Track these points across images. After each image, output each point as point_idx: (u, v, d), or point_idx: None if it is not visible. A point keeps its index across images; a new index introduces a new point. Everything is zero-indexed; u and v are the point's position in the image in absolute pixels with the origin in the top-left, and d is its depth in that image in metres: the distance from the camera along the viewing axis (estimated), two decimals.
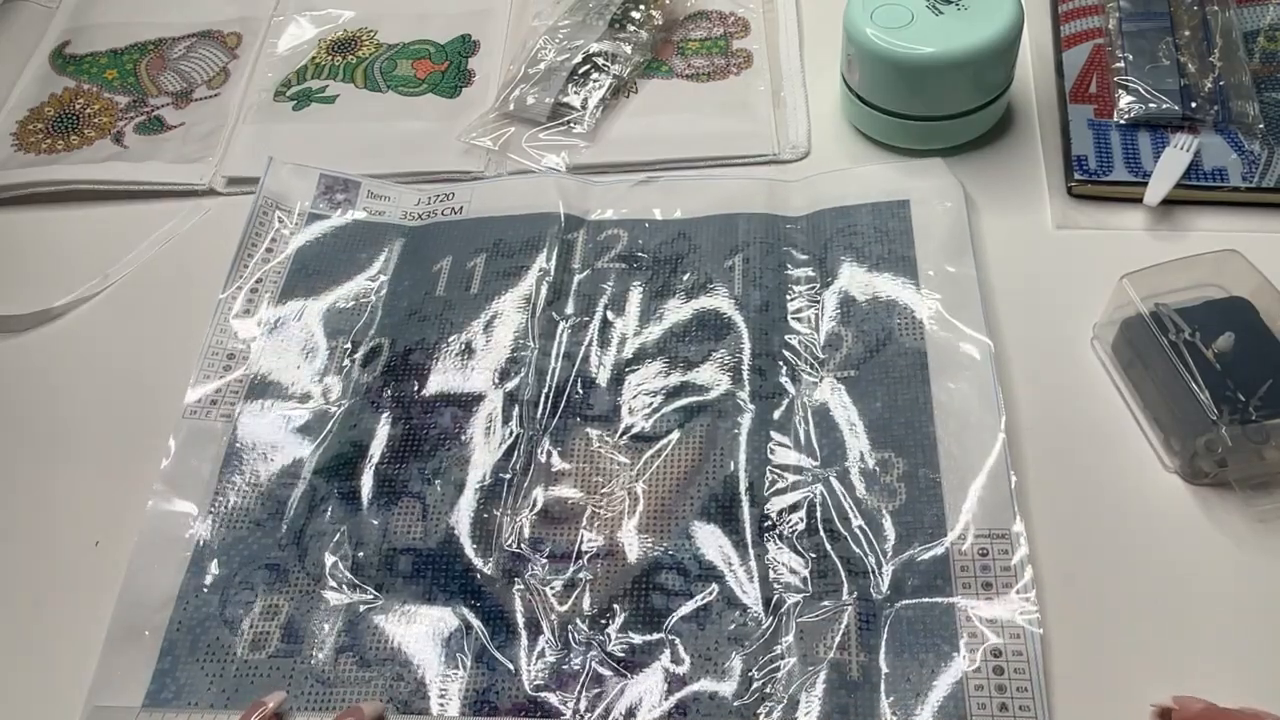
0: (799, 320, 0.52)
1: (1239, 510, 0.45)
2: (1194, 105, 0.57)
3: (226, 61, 0.71)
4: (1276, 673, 0.41)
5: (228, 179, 0.63)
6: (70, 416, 0.54)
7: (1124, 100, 0.58)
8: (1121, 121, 0.58)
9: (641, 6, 0.68)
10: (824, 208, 0.56)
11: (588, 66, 0.65)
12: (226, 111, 0.67)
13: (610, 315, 0.54)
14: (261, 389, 0.53)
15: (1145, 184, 0.55)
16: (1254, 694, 0.40)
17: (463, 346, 0.53)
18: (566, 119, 0.63)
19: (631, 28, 0.67)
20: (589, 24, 0.67)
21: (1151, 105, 0.57)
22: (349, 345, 0.54)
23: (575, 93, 0.64)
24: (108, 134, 0.67)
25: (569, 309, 0.54)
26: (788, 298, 0.53)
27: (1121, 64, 0.59)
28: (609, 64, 0.65)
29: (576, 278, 0.56)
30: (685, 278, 0.55)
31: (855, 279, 0.53)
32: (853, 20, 0.56)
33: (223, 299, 0.56)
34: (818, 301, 0.53)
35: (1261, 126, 0.56)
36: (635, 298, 0.54)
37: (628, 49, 0.66)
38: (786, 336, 0.52)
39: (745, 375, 0.50)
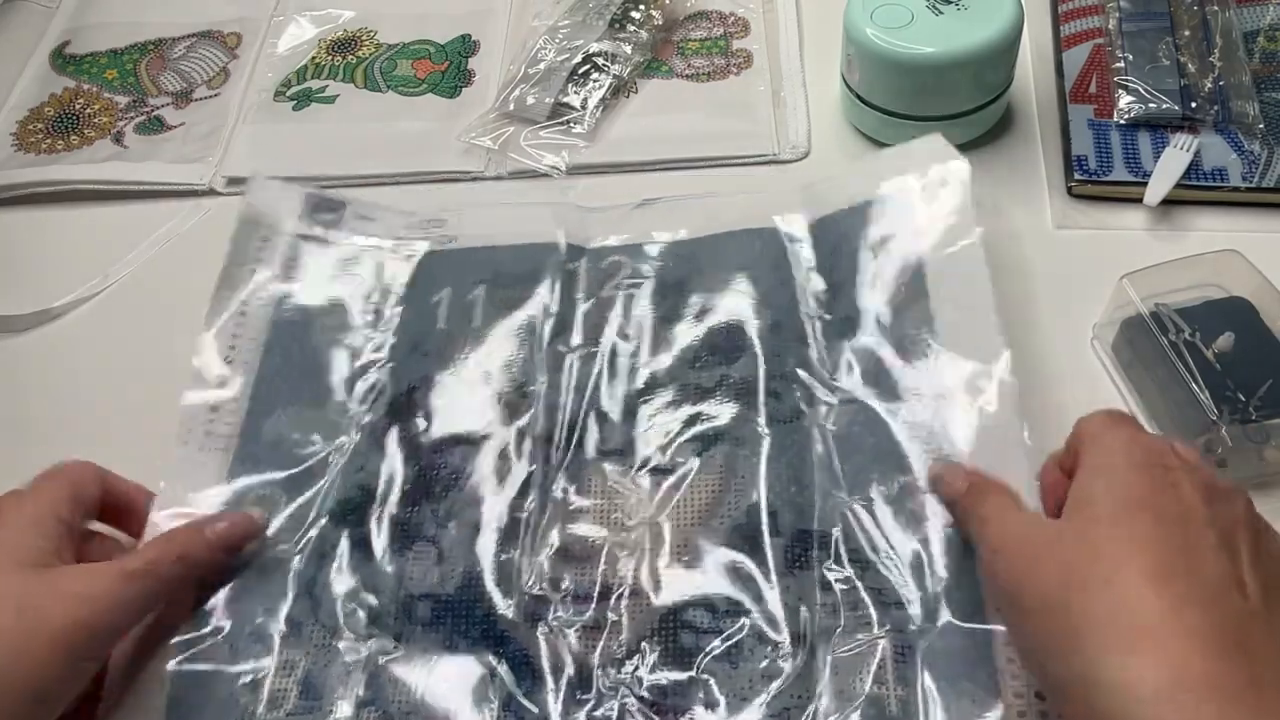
0: (811, 338, 0.50)
1: None
2: (1194, 105, 0.57)
3: (226, 61, 0.71)
4: None
5: (228, 179, 0.63)
6: (70, 417, 0.54)
7: (1124, 100, 0.58)
8: (1121, 121, 0.58)
9: (641, 6, 0.68)
10: (827, 214, 0.55)
11: (588, 66, 0.65)
12: (226, 111, 0.67)
13: (618, 344, 0.52)
14: (256, 419, 0.50)
15: (1145, 184, 0.55)
16: None
17: (469, 382, 0.51)
18: (566, 119, 0.63)
19: (631, 28, 0.67)
20: (589, 24, 0.67)
21: (1151, 105, 0.57)
22: (348, 380, 0.52)
23: (575, 93, 0.64)
24: (108, 134, 0.67)
25: (575, 339, 0.52)
26: (798, 315, 0.51)
27: (1121, 64, 0.59)
28: (609, 64, 0.65)
29: (581, 307, 0.54)
30: (692, 300, 0.53)
31: (864, 286, 0.51)
32: (853, 20, 0.56)
33: (208, 330, 0.51)
34: (828, 316, 0.51)
35: (1261, 126, 0.56)
36: (643, 325, 0.52)
37: (628, 49, 0.66)
38: (800, 356, 0.50)
39: (760, 400, 0.48)
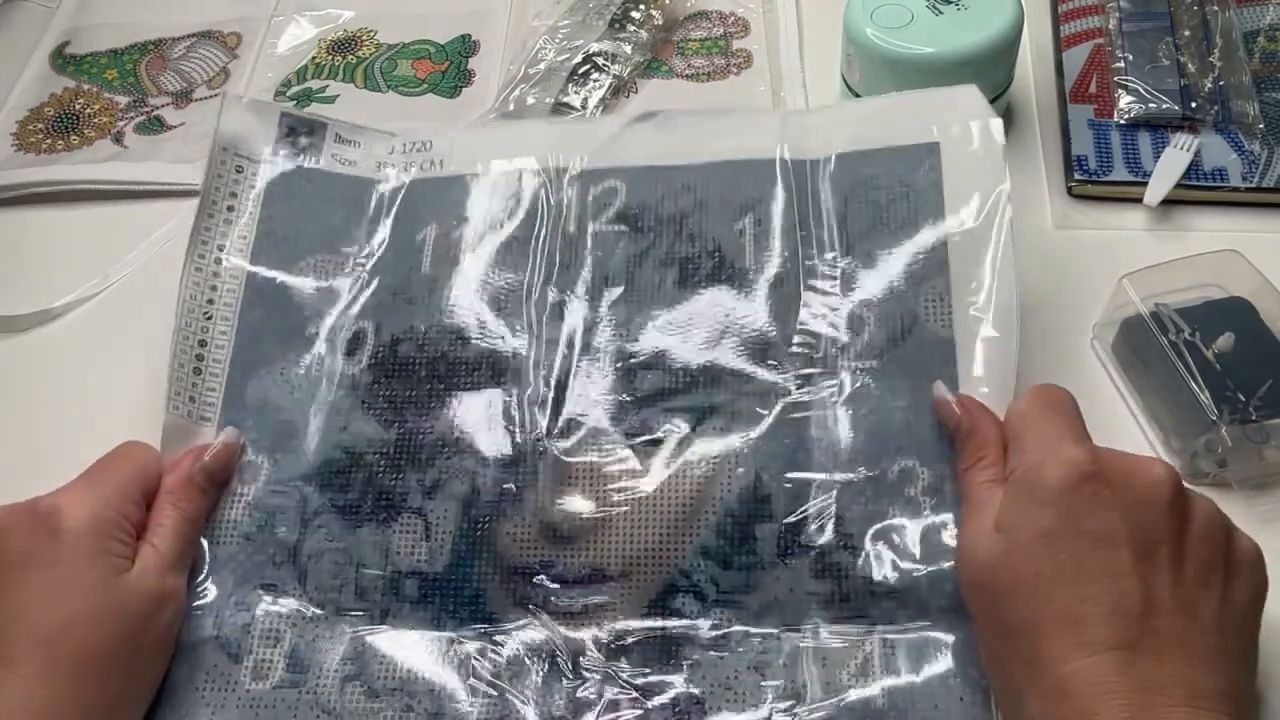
0: (815, 294, 0.48)
1: (1239, 510, 0.45)
2: (1194, 105, 0.57)
3: (226, 61, 0.71)
4: (1277, 672, 0.41)
5: None
6: (70, 417, 0.54)
7: (1124, 100, 0.58)
8: (1121, 121, 0.58)
9: (641, 6, 0.68)
10: (846, 150, 0.50)
11: (588, 66, 0.65)
12: None
13: (610, 295, 0.49)
14: (239, 383, 0.49)
15: (1145, 184, 0.55)
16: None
17: (455, 337, 0.49)
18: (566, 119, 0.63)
19: (631, 28, 0.67)
20: (589, 24, 0.67)
21: (1151, 105, 0.57)
22: (331, 329, 0.50)
23: (575, 93, 0.64)
24: (108, 134, 0.67)
25: (567, 288, 0.50)
26: (804, 266, 0.48)
27: (1121, 64, 0.59)
28: (609, 64, 0.65)
29: (574, 246, 0.51)
30: (693, 248, 0.50)
31: (878, 246, 0.48)
32: (853, 20, 0.56)
33: (185, 277, 0.50)
34: (836, 273, 0.48)
35: (1261, 126, 0.56)
36: (638, 277, 0.50)
37: (628, 49, 0.66)
38: (802, 318, 0.47)
39: (760, 371, 0.47)
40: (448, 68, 0.69)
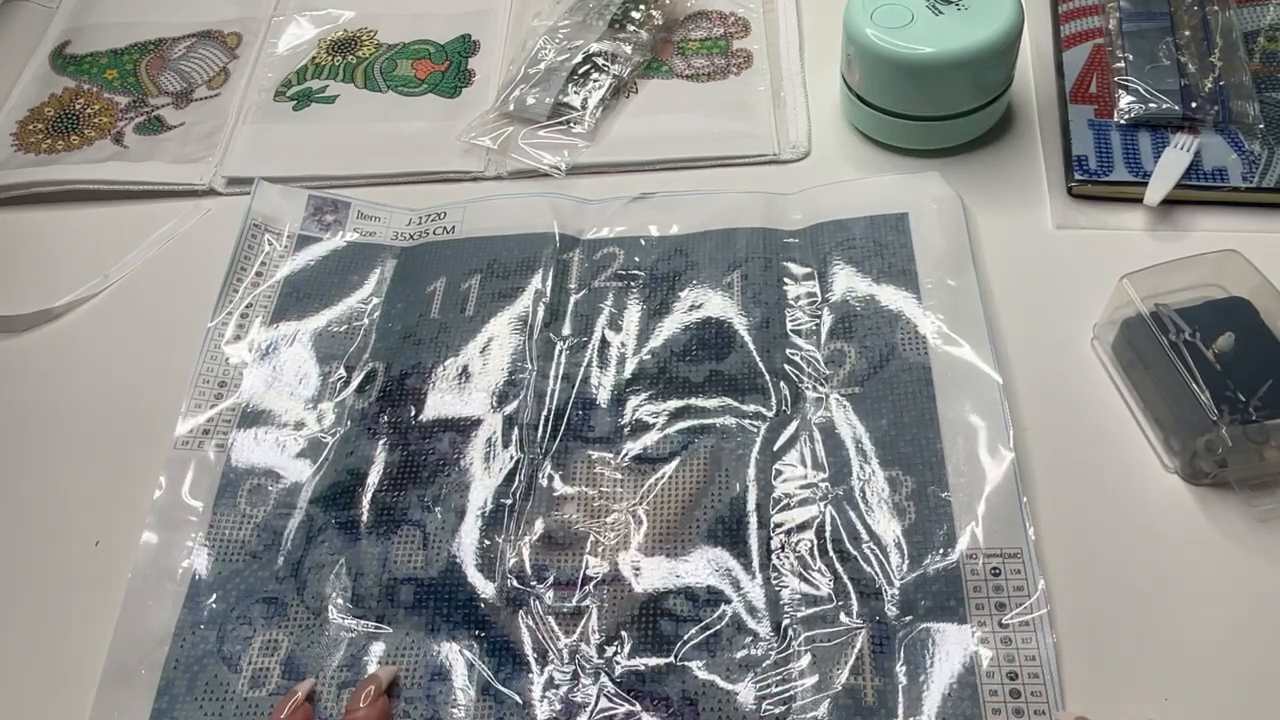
0: (800, 336, 0.51)
1: (1239, 510, 0.45)
2: (1194, 105, 0.57)
3: (226, 61, 0.71)
4: (1276, 672, 0.41)
5: (228, 179, 0.63)
6: (70, 416, 0.54)
7: (1124, 100, 0.58)
8: (1122, 121, 0.58)
9: (641, 6, 0.68)
10: (822, 221, 0.56)
11: (588, 66, 0.65)
12: (226, 111, 0.67)
13: (609, 335, 0.53)
14: (254, 417, 0.52)
15: (1145, 184, 0.55)
16: (1253, 693, 0.40)
17: (459, 370, 0.52)
18: (566, 119, 0.63)
19: (631, 28, 0.67)
20: (589, 24, 0.67)
21: (1151, 105, 0.57)
22: (343, 370, 0.53)
23: (575, 93, 0.64)
24: (108, 134, 0.67)
25: (566, 330, 0.53)
26: (788, 313, 0.52)
27: (1122, 64, 0.59)
28: (609, 64, 0.65)
29: (573, 298, 0.55)
30: (684, 294, 0.54)
31: (856, 293, 0.52)
32: (853, 20, 0.56)
33: (212, 326, 0.55)
34: (818, 316, 0.52)
35: (1261, 126, 0.56)
36: (634, 316, 0.53)
37: (628, 49, 0.66)
38: (789, 352, 0.51)
39: (748, 394, 0.50)
40: (448, 68, 0.69)
